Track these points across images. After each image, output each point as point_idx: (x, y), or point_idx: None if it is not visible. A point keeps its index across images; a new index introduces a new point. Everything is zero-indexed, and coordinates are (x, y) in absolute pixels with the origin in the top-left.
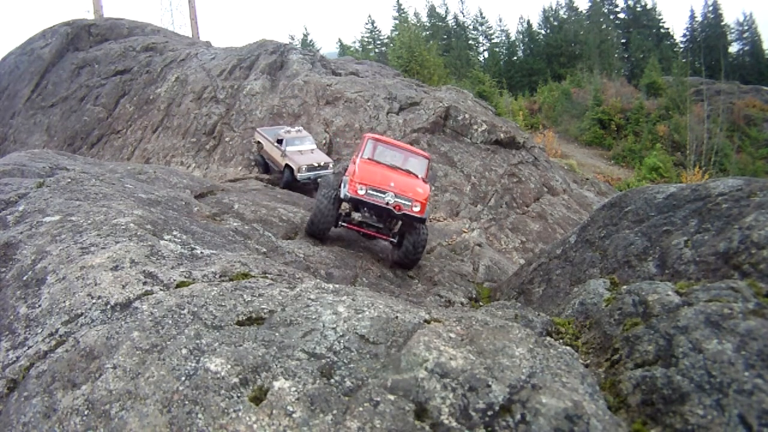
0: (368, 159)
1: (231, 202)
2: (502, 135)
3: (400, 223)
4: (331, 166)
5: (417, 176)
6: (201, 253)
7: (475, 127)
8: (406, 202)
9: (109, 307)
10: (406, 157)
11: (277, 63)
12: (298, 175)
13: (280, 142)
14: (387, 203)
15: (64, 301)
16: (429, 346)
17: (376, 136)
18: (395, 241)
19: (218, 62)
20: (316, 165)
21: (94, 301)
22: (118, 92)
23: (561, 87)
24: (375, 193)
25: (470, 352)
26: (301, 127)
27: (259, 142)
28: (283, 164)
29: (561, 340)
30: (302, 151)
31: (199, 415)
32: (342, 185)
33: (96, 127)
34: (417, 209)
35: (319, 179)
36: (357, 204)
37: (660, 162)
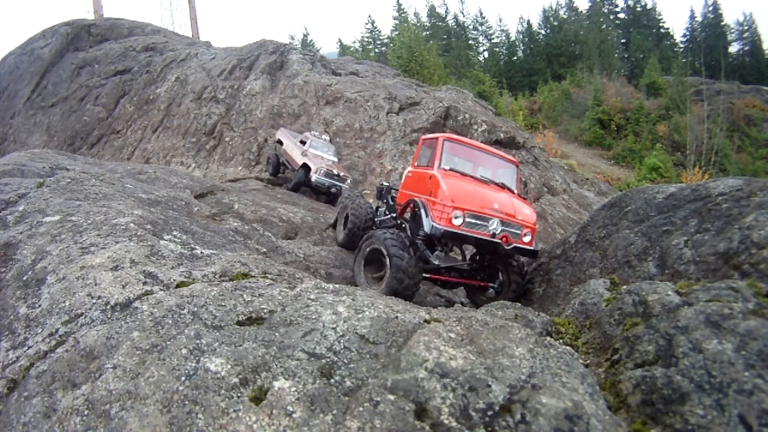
0: (449, 170)
1: (231, 202)
2: (502, 135)
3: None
4: (348, 181)
5: (513, 191)
6: (201, 253)
7: (475, 127)
8: (515, 231)
9: (109, 307)
10: (496, 164)
11: (277, 63)
12: (314, 177)
13: (303, 142)
14: (493, 235)
15: (64, 301)
16: (429, 346)
17: (452, 135)
18: (496, 286)
19: (218, 62)
20: (334, 174)
21: (94, 301)
22: (118, 92)
23: (561, 87)
24: (476, 221)
25: (470, 352)
26: (328, 137)
27: (279, 140)
28: (300, 163)
29: (561, 340)
30: (323, 157)
31: (199, 415)
32: (413, 217)
33: (96, 127)
34: (527, 239)
35: (333, 189)
36: (451, 240)
37: (660, 162)
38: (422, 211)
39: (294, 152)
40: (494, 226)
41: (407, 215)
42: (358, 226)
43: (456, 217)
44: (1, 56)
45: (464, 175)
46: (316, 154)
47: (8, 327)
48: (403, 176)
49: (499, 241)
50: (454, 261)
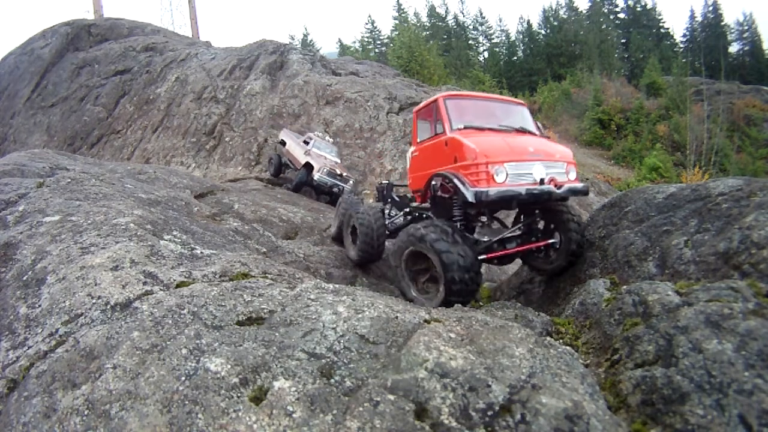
0: (464, 128)
1: (231, 202)
2: None
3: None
4: (351, 183)
5: (535, 134)
6: (201, 253)
7: None
8: (560, 171)
9: (109, 307)
10: (506, 110)
11: (277, 63)
12: (316, 175)
13: (306, 142)
14: (541, 181)
15: (64, 301)
16: (429, 346)
17: (450, 92)
18: (556, 240)
19: (218, 62)
20: (337, 174)
21: (94, 301)
22: (118, 92)
23: (561, 87)
24: (519, 171)
25: (470, 352)
26: (331, 139)
27: (282, 141)
28: (303, 162)
29: (561, 340)
30: (326, 157)
31: (199, 415)
32: (455, 189)
33: (96, 127)
34: (573, 176)
35: (336, 189)
36: (498, 204)
37: (660, 162)
38: (455, 181)
39: (297, 152)
40: (539, 170)
41: (417, 204)
42: (371, 237)
43: (498, 173)
44: (1, 56)
45: (481, 129)
46: (319, 154)
47: (8, 327)
48: (408, 159)
49: (551, 186)
50: (502, 230)
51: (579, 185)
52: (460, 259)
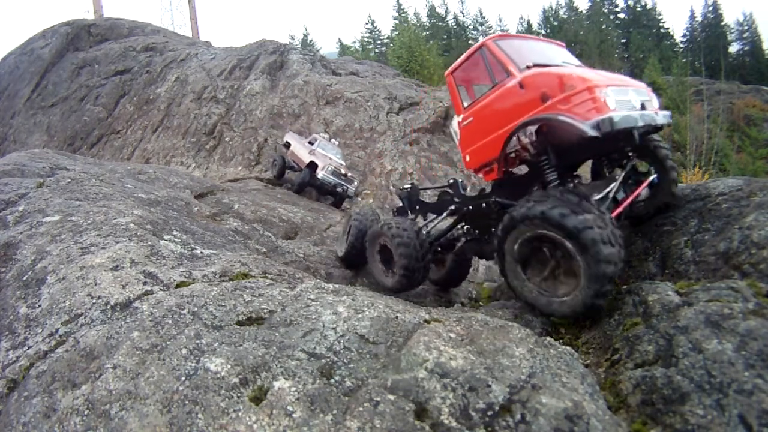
0: (533, 66)
1: (231, 202)
2: None
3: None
4: (355, 183)
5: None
6: (201, 253)
7: None
8: (647, 98)
9: (109, 307)
10: (554, 49)
11: (277, 63)
12: (320, 173)
13: (311, 143)
14: (642, 107)
15: (64, 301)
16: (429, 346)
17: (498, 34)
18: (655, 175)
19: (218, 62)
20: (342, 173)
21: (94, 301)
22: (118, 92)
23: None
24: (622, 98)
25: (470, 352)
26: (336, 141)
27: (287, 143)
28: (307, 162)
29: (561, 340)
30: (331, 157)
31: (199, 415)
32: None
33: (96, 127)
34: (657, 104)
35: (339, 189)
36: (614, 138)
37: None
38: (561, 118)
39: (301, 152)
40: (635, 97)
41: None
42: (415, 256)
43: (608, 97)
44: (1, 56)
45: (547, 65)
46: (324, 154)
47: (8, 327)
48: (456, 133)
49: (653, 113)
50: (607, 181)
51: (669, 113)
52: (603, 234)
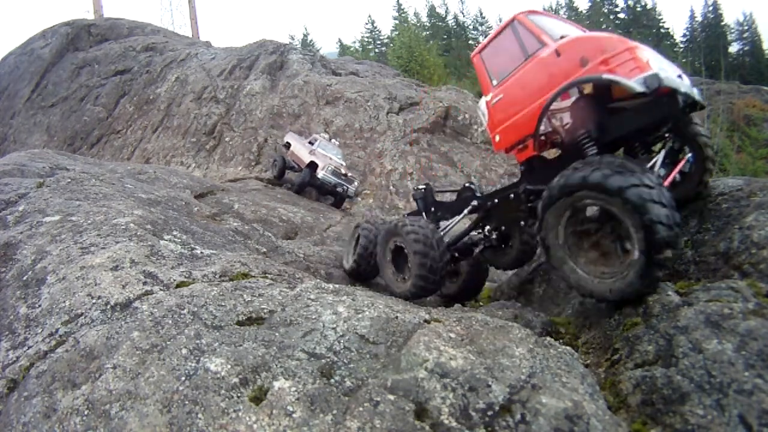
0: (564, 37)
1: (231, 202)
2: None
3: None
4: (355, 183)
5: None
6: (201, 253)
7: (475, 127)
8: (678, 73)
9: (109, 307)
10: (574, 26)
11: (277, 63)
12: (320, 173)
13: (312, 143)
14: (680, 77)
15: (64, 301)
16: (429, 346)
17: (526, 9)
18: (690, 156)
19: (218, 62)
20: (342, 173)
21: (94, 301)
22: (118, 92)
23: None
24: (659, 65)
25: (470, 352)
26: (337, 142)
27: (288, 143)
28: (307, 161)
29: (561, 340)
30: (331, 157)
31: (199, 415)
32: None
33: (96, 127)
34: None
35: (339, 189)
36: (659, 100)
37: None
38: (606, 77)
39: (302, 152)
40: (671, 68)
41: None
42: (434, 258)
43: (649, 59)
44: (1, 56)
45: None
46: (324, 154)
47: (8, 327)
48: (485, 114)
49: (689, 84)
50: (648, 158)
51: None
52: (653, 193)
